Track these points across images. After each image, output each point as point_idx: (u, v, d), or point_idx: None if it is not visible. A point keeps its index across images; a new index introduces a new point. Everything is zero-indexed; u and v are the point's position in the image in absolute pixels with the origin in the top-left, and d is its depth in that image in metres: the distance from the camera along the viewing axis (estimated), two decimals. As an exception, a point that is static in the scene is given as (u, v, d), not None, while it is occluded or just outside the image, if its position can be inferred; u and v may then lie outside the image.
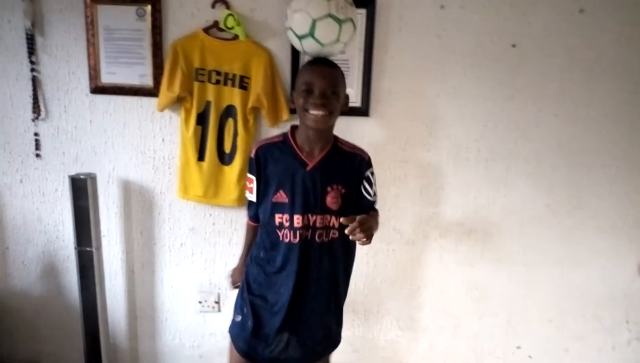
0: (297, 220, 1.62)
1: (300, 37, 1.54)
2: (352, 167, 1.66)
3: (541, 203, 2.33)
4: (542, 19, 2.15)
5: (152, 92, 2.24)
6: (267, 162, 1.64)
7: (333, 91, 1.52)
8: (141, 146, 2.31)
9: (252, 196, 1.72)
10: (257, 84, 2.17)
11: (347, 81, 2.14)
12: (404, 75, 2.21)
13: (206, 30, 2.17)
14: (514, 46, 2.18)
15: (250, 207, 1.76)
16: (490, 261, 2.40)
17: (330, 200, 1.63)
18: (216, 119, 2.21)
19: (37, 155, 2.35)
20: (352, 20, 1.59)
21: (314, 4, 1.49)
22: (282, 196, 1.63)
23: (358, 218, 1.43)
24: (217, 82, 2.18)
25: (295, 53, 2.18)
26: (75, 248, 2.28)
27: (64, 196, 2.37)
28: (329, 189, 1.61)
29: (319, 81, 1.51)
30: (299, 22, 1.52)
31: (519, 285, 2.42)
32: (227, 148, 2.24)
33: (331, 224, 1.65)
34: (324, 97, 1.50)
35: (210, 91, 2.18)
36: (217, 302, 2.44)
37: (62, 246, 2.44)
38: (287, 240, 1.64)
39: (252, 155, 1.66)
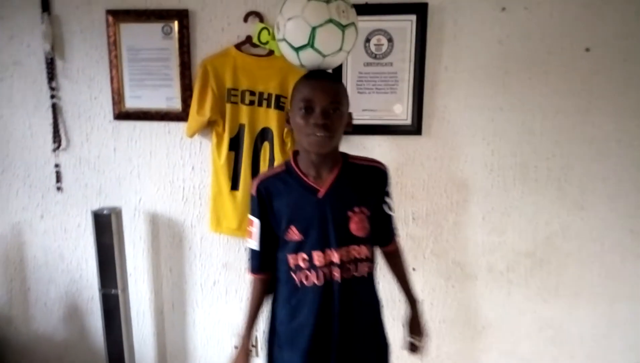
0: (318, 258, 1.34)
1: (297, 49, 1.29)
2: (373, 182, 1.41)
3: (624, 228, 2.02)
4: (619, 18, 1.87)
5: (180, 116, 2.04)
6: (271, 198, 1.37)
7: (336, 108, 1.27)
8: (169, 175, 2.11)
9: (253, 243, 1.43)
10: (296, 104, 1.94)
11: (395, 96, 1.93)
12: (460, 87, 1.96)
13: (238, 46, 1.97)
14: (587, 50, 1.90)
15: (252, 257, 1.45)
16: (566, 296, 2.10)
17: (356, 226, 1.36)
18: (250, 144, 2.00)
19: (58, 188, 2.17)
20: (354, 24, 1.32)
21: (311, 9, 1.25)
22: (294, 233, 1.35)
23: (422, 331, 1.49)
24: (251, 103, 1.97)
25: (337, 67, 1.95)
26: (100, 290, 2.08)
27: (87, 231, 2.19)
28: (350, 214, 1.35)
29: (320, 98, 1.25)
30: (295, 32, 1.28)
31: (600, 324, 2.10)
32: None
33: (362, 256, 1.38)
34: (326, 116, 1.26)
35: (244, 113, 1.98)
36: (255, 346, 2.18)
37: (86, 286, 2.25)
38: (309, 284, 1.36)
39: (254, 192, 1.39)
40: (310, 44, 1.27)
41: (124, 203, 2.15)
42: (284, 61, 1.92)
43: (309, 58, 1.31)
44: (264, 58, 1.97)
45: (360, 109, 1.99)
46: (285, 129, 1.99)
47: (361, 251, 1.37)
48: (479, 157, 2.02)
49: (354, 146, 2.03)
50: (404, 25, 1.91)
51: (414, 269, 2.11)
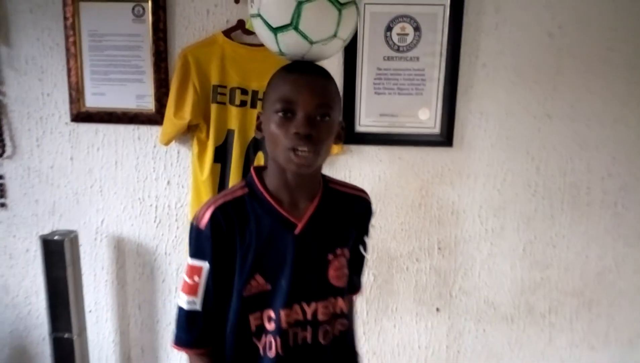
0: (286, 316, 0.99)
1: (275, 30, 0.92)
2: (356, 216, 1.07)
3: (691, 263, 1.67)
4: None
5: (153, 119, 1.66)
6: (232, 233, 0.96)
7: (325, 114, 0.92)
8: (139, 191, 1.72)
9: (193, 301, 0.98)
10: (298, 106, 1.56)
11: (422, 98, 1.57)
12: (501, 89, 1.61)
13: (227, 33, 1.59)
14: (656, 46, 1.55)
15: (189, 323, 1.00)
16: (617, 343, 1.78)
17: (335, 274, 1.02)
18: (241, 154, 1.63)
19: (2, 205, 1.77)
20: (355, 4, 0.94)
21: None
22: (259, 284, 0.98)
23: None
24: (243, 103, 1.60)
25: (350, 60, 1.58)
26: (50, 335, 1.67)
27: (38, 258, 1.78)
28: (330, 257, 1.01)
29: (304, 99, 0.90)
30: (273, 6, 0.92)
31: (659, 376, 1.75)
32: None
33: (339, 311, 1.04)
34: (312, 124, 0.90)
35: (234, 116, 1.61)
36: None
37: (36, 324, 1.87)
38: (272, 354, 0.99)
39: (202, 225, 0.96)
40: (294, 24, 0.90)
41: (82, 224, 1.76)
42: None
43: (291, 44, 0.94)
44: (259, 48, 1.59)
45: (378, 114, 1.62)
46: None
47: (338, 304, 1.03)
48: (521, 175, 1.66)
49: (367, 159, 1.66)
50: (434, 11, 1.55)
51: (437, 309, 1.74)
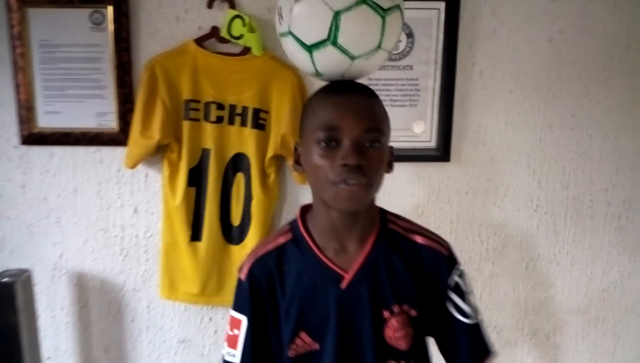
0: None
1: (310, 48, 0.81)
2: (423, 267, 0.89)
3: (696, 276, 1.61)
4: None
5: (117, 139, 1.47)
6: (273, 287, 0.89)
7: (375, 139, 0.81)
8: (102, 221, 1.53)
9: (235, 355, 0.90)
10: (281, 121, 1.43)
11: (416, 110, 1.45)
12: (499, 99, 1.50)
13: (200, 41, 1.42)
14: (658, 51, 1.48)
15: None
16: (625, 361, 1.65)
17: (393, 333, 0.87)
18: (218, 176, 1.47)
19: (-59, 241, 1.53)
20: (399, 8, 0.83)
21: None
22: (305, 343, 0.87)
23: None
24: (219, 119, 1.44)
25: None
26: (-1, 390, 1.44)
27: (-15, 301, 1.53)
28: (386, 315, 0.86)
29: (350, 124, 0.79)
30: (307, 20, 0.80)
31: (666, 395, 1.67)
32: (236, 219, 1.49)
33: None
34: (361, 152, 0.78)
35: (209, 134, 1.44)
36: None
37: None
38: None
39: (243, 277, 0.90)
40: (332, 39, 0.78)
41: (37, 260, 1.55)
42: (265, 62, 1.42)
43: (330, 62, 0.82)
44: (236, 58, 1.43)
45: (369, 128, 1.48)
46: (268, 156, 1.45)
47: None
48: (523, 190, 1.56)
49: (359, 178, 1.51)
50: (428, 16, 1.43)
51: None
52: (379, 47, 0.81)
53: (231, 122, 1.45)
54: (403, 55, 1.45)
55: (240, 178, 1.48)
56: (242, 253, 1.49)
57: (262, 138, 1.46)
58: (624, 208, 1.59)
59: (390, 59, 1.45)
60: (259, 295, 0.88)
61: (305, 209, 0.93)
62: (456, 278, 0.90)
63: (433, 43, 1.44)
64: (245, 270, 0.90)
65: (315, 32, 0.79)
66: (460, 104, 1.49)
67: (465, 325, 0.89)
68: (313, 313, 0.85)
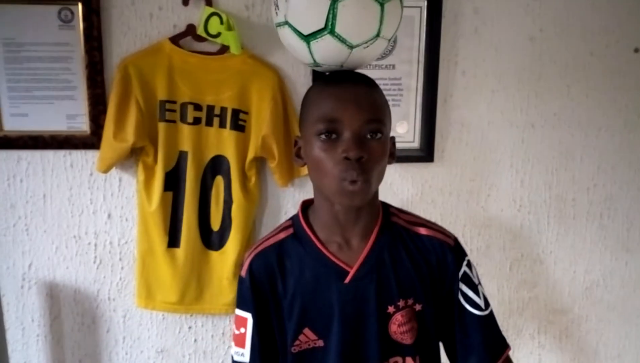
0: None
1: (307, 38, 0.79)
2: (429, 260, 0.87)
3: (676, 273, 1.62)
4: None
5: (89, 142, 1.41)
6: (274, 283, 0.87)
7: (376, 130, 0.78)
8: (74, 228, 1.46)
9: (243, 354, 0.88)
10: (261, 122, 1.38)
11: (399, 110, 1.42)
12: (482, 98, 1.49)
13: (175, 40, 1.37)
14: (637, 50, 1.49)
15: None
16: (608, 359, 1.69)
17: (398, 329, 0.85)
18: (196, 180, 1.41)
19: None
20: None
21: None
22: (309, 339, 0.86)
23: None
24: (197, 121, 1.38)
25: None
26: (-35, 409, 1.36)
27: (-52, 315, 1.45)
28: (391, 309, 0.85)
29: (350, 115, 0.76)
30: (303, 9, 0.78)
31: (648, 391, 1.68)
32: (216, 224, 1.44)
33: None
34: (362, 144, 0.76)
35: (186, 136, 1.39)
36: None
37: None
38: None
39: (244, 274, 0.89)
40: (329, 28, 0.76)
41: (5, 270, 1.48)
42: (244, 61, 1.38)
43: (328, 51, 0.80)
44: (214, 57, 1.38)
45: (351, 129, 1.44)
46: (248, 159, 1.41)
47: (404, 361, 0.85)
48: (506, 189, 1.55)
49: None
50: (410, 14, 1.40)
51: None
52: (377, 35, 0.78)
53: (209, 123, 1.40)
54: (385, 54, 1.42)
55: (219, 181, 1.43)
56: (222, 259, 1.45)
57: (242, 139, 1.41)
58: (606, 207, 1.59)
59: (372, 58, 1.42)
60: (260, 292, 0.86)
61: (306, 204, 0.91)
62: (465, 269, 0.88)
63: (415, 42, 1.41)
64: (245, 266, 0.88)
65: (313, 21, 0.76)
66: (443, 104, 1.47)
67: (478, 318, 0.87)
68: (316, 309, 0.83)
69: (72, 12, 1.36)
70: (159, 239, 1.41)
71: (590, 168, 1.56)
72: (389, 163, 0.83)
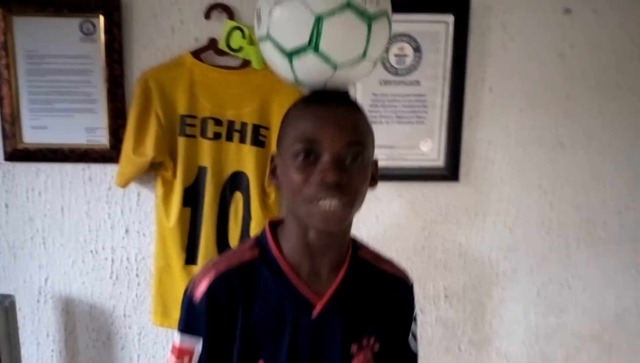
0: None
1: (290, 54, 0.75)
2: (391, 302, 0.85)
3: None
4: None
5: (108, 156, 1.40)
6: (234, 308, 0.78)
7: (357, 153, 0.74)
8: (91, 242, 1.45)
9: None
10: (282, 138, 1.34)
11: (423, 127, 1.38)
12: (510, 116, 1.45)
13: (197, 54, 1.35)
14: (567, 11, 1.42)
15: None
16: None
17: None
18: (215, 196, 1.39)
19: None
20: (387, 15, 0.77)
21: None
22: None
23: None
24: (217, 136, 1.37)
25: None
26: (-23, 425, 1.34)
27: (-36, 327, 1.44)
28: (354, 348, 0.80)
29: (330, 137, 0.72)
30: (287, 24, 0.75)
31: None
32: (234, 241, 1.43)
33: None
34: (341, 168, 0.72)
35: (206, 151, 1.37)
36: None
37: None
38: None
39: (196, 297, 0.78)
40: (313, 45, 0.73)
41: (21, 284, 1.47)
42: (266, 76, 1.35)
43: (311, 69, 0.76)
44: (235, 71, 1.36)
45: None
46: (268, 175, 1.37)
47: None
48: (534, 211, 1.49)
49: (363, 198, 1.44)
50: (436, 29, 1.37)
51: (445, 365, 1.53)
52: (363, 56, 0.74)
53: (229, 138, 1.38)
54: (410, 70, 1.38)
55: (238, 197, 1.40)
56: (240, 277, 1.42)
57: (262, 155, 1.38)
58: (638, 230, 1.52)
59: (396, 74, 1.39)
60: (216, 319, 0.76)
61: (274, 224, 0.84)
62: (416, 310, 0.90)
63: (441, 58, 1.38)
64: (201, 290, 0.77)
65: (296, 37, 0.72)
66: (469, 122, 1.43)
67: (414, 355, 0.90)
68: (276, 342, 0.77)
69: (93, 25, 1.35)
70: (177, 255, 1.39)
71: (622, 190, 1.50)
72: (371, 187, 0.79)
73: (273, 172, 0.80)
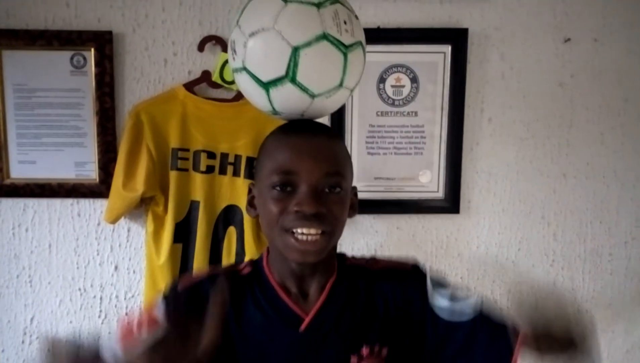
0: None
1: (266, 85, 0.74)
2: (395, 297, 0.79)
3: None
4: None
5: (97, 191, 1.37)
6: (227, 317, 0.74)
7: (334, 184, 0.73)
8: (80, 279, 1.40)
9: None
10: (277, 171, 1.30)
11: (422, 158, 1.35)
12: (510, 146, 1.41)
13: (189, 86, 1.33)
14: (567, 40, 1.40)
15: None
16: None
17: None
18: (208, 231, 1.35)
19: None
20: (361, 44, 0.78)
21: (291, 17, 0.73)
22: None
23: None
24: (210, 169, 1.33)
25: (337, 116, 1.34)
26: None
27: (-55, 370, 1.39)
28: (354, 360, 0.75)
29: (307, 168, 0.72)
30: (263, 56, 0.74)
31: None
32: None
33: None
34: (318, 199, 0.71)
35: (198, 185, 1.34)
36: None
37: None
38: None
39: (182, 287, 0.79)
40: (290, 76, 0.73)
41: (6, 324, 1.42)
42: (261, 108, 1.32)
43: (288, 100, 0.75)
44: (229, 104, 1.34)
45: (372, 178, 1.38)
46: (262, 210, 1.33)
47: None
48: (538, 243, 1.45)
49: (361, 230, 1.40)
50: (433, 60, 1.34)
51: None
52: (340, 85, 0.74)
53: (222, 172, 1.34)
54: (407, 101, 1.35)
55: (231, 232, 1.36)
56: (234, 315, 1.36)
57: (256, 189, 1.34)
58: (647, 262, 1.48)
59: (393, 105, 1.36)
60: (194, 312, 0.69)
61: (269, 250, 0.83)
62: (433, 290, 0.78)
63: (439, 88, 1.35)
64: (190, 280, 0.79)
65: (272, 68, 0.72)
66: (469, 152, 1.40)
67: (470, 324, 0.75)
68: (264, 356, 0.74)
69: (84, 58, 1.33)
70: (168, 293, 1.33)
71: (628, 221, 1.45)
72: (350, 216, 0.77)
73: (250, 203, 0.79)
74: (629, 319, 1.49)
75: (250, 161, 1.33)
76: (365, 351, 0.75)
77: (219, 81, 1.31)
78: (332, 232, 0.72)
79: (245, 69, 0.74)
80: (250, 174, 1.34)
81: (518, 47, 1.38)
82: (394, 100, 1.35)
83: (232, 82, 1.31)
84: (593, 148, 1.42)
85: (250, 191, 0.80)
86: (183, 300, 0.77)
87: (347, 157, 0.77)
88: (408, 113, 1.36)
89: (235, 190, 1.35)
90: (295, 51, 0.70)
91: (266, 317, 0.76)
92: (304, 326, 0.74)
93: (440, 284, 0.80)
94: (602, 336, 1.49)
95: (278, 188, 0.71)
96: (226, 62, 1.30)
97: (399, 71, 1.34)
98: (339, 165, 0.73)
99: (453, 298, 0.78)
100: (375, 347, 0.75)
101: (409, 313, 0.78)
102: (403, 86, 1.35)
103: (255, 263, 0.82)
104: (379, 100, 1.35)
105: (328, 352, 0.74)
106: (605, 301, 1.48)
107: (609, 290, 1.48)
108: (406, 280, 0.80)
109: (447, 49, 1.34)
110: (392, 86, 1.35)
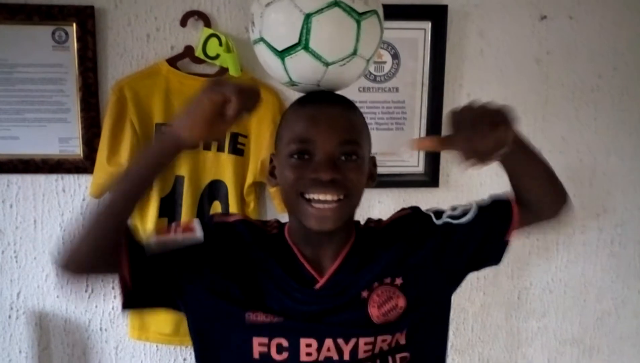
0: (308, 351, 0.77)
1: (282, 54, 0.76)
2: (402, 238, 0.83)
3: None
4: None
5: (82, 166, 1.37)
6: (246, 253, 0.81)
7: (351, 152, 0.75)
8: (66, 255, 1.38)
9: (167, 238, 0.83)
10: (261, 146, 1.35)
11: (403, 133, 1.38)
12: (488, 121, 1.43)
13: (172, 61, 1.33)
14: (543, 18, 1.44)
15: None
16: None
17: (377, 311, 0.78)
18: (193, 205, 1.37)
19: None
20: (377, 13, 0.78)
21: None
22: (262, 317, 0.78)
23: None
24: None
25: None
26: None
27: None
28: (364, 294, 0.79)
29: (323, 136, 0.74)
30: (278, 24, 0.76)
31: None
32: None
33: (394, 345, 0.79)
34: (335, 167, 0.73)
35: (183, 160, 1.35)
36: None
37: None
38: None
39: (218, 221, 0.87)
40: (303, 43, 0.74)
41: (-8, 299, 1.40)
42: (244, 82, 1.33)
43: (303, 69, 0.76)
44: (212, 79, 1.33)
45: (354, 153, 1.40)
46: (247, 184, 1.36)
47: (393, 339, 0.78)
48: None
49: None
50: (414, 36, 1.37)
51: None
52: (354, 53, 0.75)
53: (207, 147, 1.36)
54: (389, 77, 1.38)
55: (217, 206, 1.38)
56: (219, 288, 1.39)
57: (241, 163, 1.37)
58: (617, 233, 1.54)
59: (375, 81, 1.38)
60: (222, 247, 0.80)
61: None
62: (440, 220, 0.84)
63: (419, 65, 1.38)
64: (227, 219, 0.86)
65: (286, 36, 0.74)
66: (449, 127, 1.43)
67: (479, 215, 0.86)
68: (276, 302, 0.78)
69: (66, 33, 1.33)
70: (154, 267, 1.35)
71: (600, 194, 1.51)
72: (369, 185, 0.79)
73: (271, 172, 0.82)
74: (599, 288, 1.56)
75: (234, 136, 1.35)
76: (376, 284, 0.79)
77: (202, 56, 1.32)
78: (349, 198, 0.74)
79: (262, 39, 0.76)
80: (235, 150, 1.36)
81: (496, 24, 1.41)
82: (375, 76, 1.38)
83: (215, 57, 1.32)
84: (567, 123, 1.47)
85: (271, 160, 0.82)
86: (214, 229, 0.82)
87: (364, 126, 0.79)
88: (389, 89, 1.39)
89: (220, 165, 1.36)
90: (308, 17, 0.72)
91: (281, 274, 0.79)
92: (319, 285, 0.78)
93: (440, 210, 0.86)
94: (575, 304, 1.56)
95: (295, 156, 0.74)
96: (209, 37, 1.31)
97: (381, 47, 1.36)
98: (355, 133, 0.75)
99: (454, 209, 0.86)
100: (386, 279, 0.79)
101: (421, 241, 0.82)
102: (385, 62, 1.38)
103: (280, 227, 0.85)
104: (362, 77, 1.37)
105: (340, 297, 0.78)
106: (577, 272, 1.55)
107: (582, 261, 1.55)
108: (411, 219, 0.85)
109: (428, 25, 1.36)
110: (374, 63, 1.37)
